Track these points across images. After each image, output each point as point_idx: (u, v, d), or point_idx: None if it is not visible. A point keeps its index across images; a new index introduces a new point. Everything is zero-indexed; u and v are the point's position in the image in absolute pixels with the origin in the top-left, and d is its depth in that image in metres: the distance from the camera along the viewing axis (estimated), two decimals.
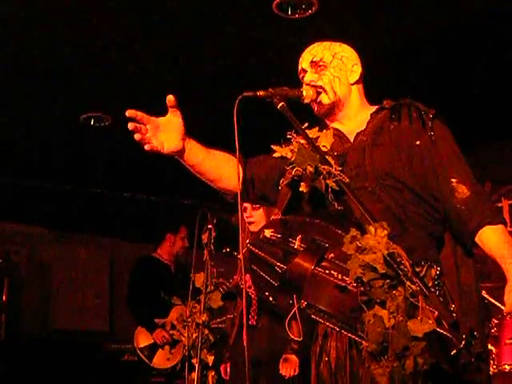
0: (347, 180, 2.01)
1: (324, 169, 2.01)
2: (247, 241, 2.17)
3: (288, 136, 2.14)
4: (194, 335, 3.47)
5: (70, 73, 4.63)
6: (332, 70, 2.31)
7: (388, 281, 1.70)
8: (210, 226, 3.68)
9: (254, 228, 3.78)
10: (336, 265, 1.91)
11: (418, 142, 2.20)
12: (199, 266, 3.62)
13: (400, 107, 2.29)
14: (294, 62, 2.41)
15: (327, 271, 1.91)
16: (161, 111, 2.17)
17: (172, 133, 2.16)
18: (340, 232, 1.93)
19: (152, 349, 5.41)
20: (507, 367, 4.04)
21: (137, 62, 4.51)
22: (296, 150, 2.07)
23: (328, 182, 2.00)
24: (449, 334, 1.68)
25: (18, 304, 7.67)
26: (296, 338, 2.27)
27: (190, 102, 4.18)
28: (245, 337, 2.36)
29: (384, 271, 1.69)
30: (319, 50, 2.35)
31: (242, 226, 2.43)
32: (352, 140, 2.28)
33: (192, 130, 2.24)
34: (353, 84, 2.35)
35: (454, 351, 1.68)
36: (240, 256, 2.13)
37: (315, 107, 2.33)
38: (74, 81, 4.74)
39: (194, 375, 3.43)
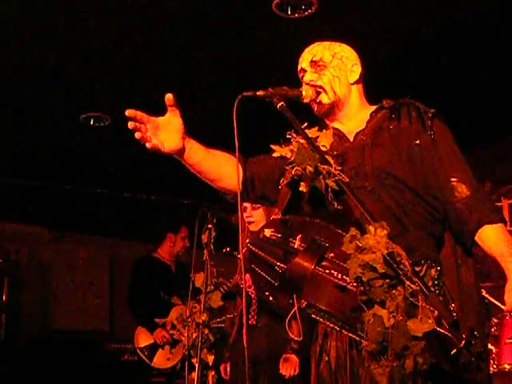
0: (347, 179, 2.02)
1: (324, 168, 2.01)
2: (247, 240, 2.17)
3: (287, 136, 2.14)
4: (194, 335, 3.48)
5: (70, 73, 4.63)
6: (332, 69, 2.31)
7: (388, 280, 1.70)
8: (209, 226, 3.68)
9: (253, 227, 3.78)
10: (336, 264, 1.91)
11: (417, 142, 2.20)
12: (199, 266, 3.62)
13: (399, 107, 2.29)
14: (293, 62, 2.41)
15: (327, 271, 1.91)
16: (161, 111, 2.17)
17: (172, 132, 2.16)
18: (340, 231, 1.93)
19: (152, 348, 5.41)
20: (507, 367, 4.04)
21: (137, 61, 4.51)
22: (295, 149, 2.07)
23: (327, 181, 2.00)
24: (449, 334, 1.69)
25: (18, 304, 7.67)
26: (296, 338, 2.27)
27: (190, 102, 4.19)
28: (244, 336, 2.36)
29: (384, 271, 1.69)
30: (319, 50, 2.35)
31: (242, 225, 2.43)
32: (352, 139, 2.28)
33: (192, 130, 2.24)
34: (352, 84, 2.35)
35: (454, 351, 1.68)
36: (240, 256, 2.13)
37: (315, 107, 2.33)
38: (74, 81, 4.74)
39: (194, 375, 3.43)
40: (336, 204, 2.07)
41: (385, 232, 1.74)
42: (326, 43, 2.37)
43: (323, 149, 2.09)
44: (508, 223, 2.24)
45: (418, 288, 1.69)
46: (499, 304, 4.18)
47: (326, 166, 2.01)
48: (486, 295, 4.19)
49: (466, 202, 2.14)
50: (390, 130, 2.24)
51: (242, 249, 2.11)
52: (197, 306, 3.53)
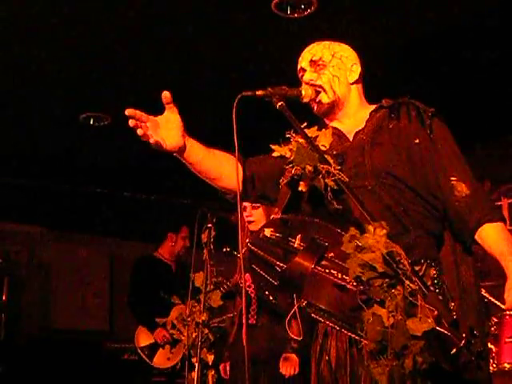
0: (346, 179, 2.01)
1: (323, 168, 2.01)
2: (247, 240, 2.17)
3: (287, 135, 2.14)
4: (194, 334, 3.48)
5: (70, 72, 4.63)
6: (331, 69, 2.31)
7: (387, 280, 1.70)
8: (209, 225, 3.68)
9: (253, 227, 3.78)
10: (336, 264, 1.91)
11: (417, 141, 2.20)
12: (199, 266, 3.62)
13: (399, 106, 2.29)
14: (293, 62, 2.41)
15: (327, 270, 1.91)
16: (160, 111, 2.18)
17: (172, 130, 2.16)
18: (340, 231, 1.93)
19: (153, 348, 5.41)
20: (507, 366, 4.04)
21: (136, 61, 4.52)
22: (295, 149, 2.07)
23: (327, 180, 2.00)
24: (448, 333, 1.69)
25: (18, 304, 7.67)
26: (296, 337, 2.28)
27: (190, 102, 4.19)
28: (244, 336, 2.36)
29: (383, 270, 1.69)
30: (319, 50, 2.35)
31: (242, 225, 2.44)
32: (351, 139, 2.28)
33: (192, 130, 2.24)
34: (352, 83, 2.35)
35: (454, 350, 1.68)
36: (240, 255, 2.13)
37: (314, 106, 2.33)
38: (74, 80, 4.74)
39: (194, 374, 3.44)
40: (335, 203, 2.07)
41: (384, 231, 1.74)
42: (326, 43, 2.37)
43: (323, 148, 2.09)
44: (508, 222, 2.25)
45: (417, 287, 1.69)
46: (499, 303, 4.18)
47: (325, 166, 2.01)
48: (486, 294, 4.19)
49: (465, 200, 2.14)
50: (390, 129, 2.24)
51: (242, 248, 2.11)
52: (196, 306, 3.53)
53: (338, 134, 2.29)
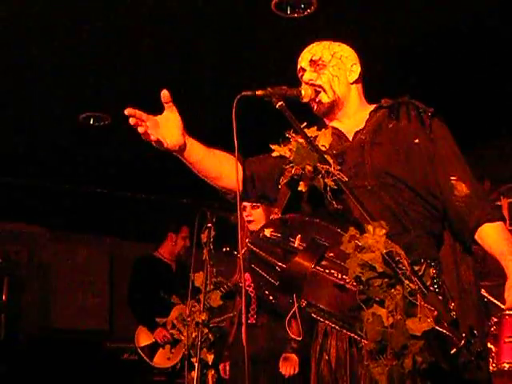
0: (346, 179, 2.01)
1: (323, 168, 2.01)
2: (247, 240, 2.17)
3: (287, 135, 2.14)
4: (194, 334, 3.48)
5: (70, 72, 4.63)
6: (331, 69, 2.32)
7: (386, 279, 1.70)
8: (209, 225, 3.68)
9: (253, 227, 3.78)
10: (336, 264, 1.91)
11: (416, 141, 2.21)
12: (199, 265, 3.62)
13: (398, 106, 2.29)
14: (293, 61, 2.41)
15: (327, 270, 1.91)
16: (161, 111, 2.18)
17: (172, 128, 2.16)
18: (339, 231, 1.93)
19: (153, 348, 5.41)
20: (506, 365, 4.03)
21: (136, 61, 4.52)
22: (294, 149, 2.07)
23: (327, 180, 2.00)
24: (448, 333, 1.69)
25: (18, 304, 7.67)
26: (296, 337, 2.28)
27: (190, 102, 4.19)
28: (244, 335, 2.36)
29: (382, 270, 1.69)
30: (318, 49, 2.35)
31: (241, 224, 2.44)
32: (351, 139, 2.28)
33: (192, 130, 2.24)
34: (352, 83, 2.35)
35: (454, 350, 1.68)
36: (239, 255, 2.13)
37: (314, 106, 2.34)
38: (74, 80, 4.74)
39: (194, 374, 3.44)
40: (335, 203, 2.08)
41: (384, 231, 1.74)
42: (326, 43, 2.38)
43: (322, 148, 2.09)
44: (507, 222, 2.25)
45: (416, 287, 1.70)
46: (498, 303, 4.18)
47: (324, 166, 2.01)
48: (486, 294, 4.19)
49: (465, 200, 2.14)
50: (389, 129, 2.24)
51: (242, 248, 2.11)
52: (196, 306, 3.53)
53: (338, 134, 2.29)
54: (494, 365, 4.09)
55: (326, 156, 2.03)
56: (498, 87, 4.80)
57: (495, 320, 4.25)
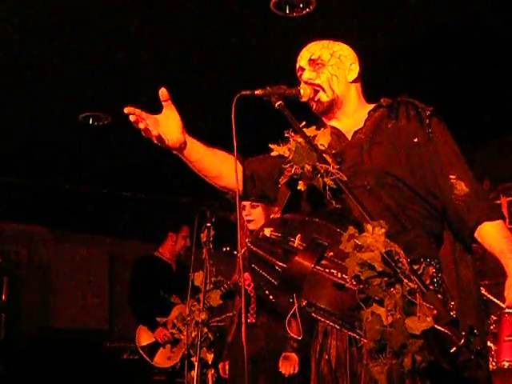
0: (345, 178, 2.01)
1: (322, 167, 2.01)
2: (247, 240, 2.17)
3: (286, 135, 2.14)
4: (194, 334, 3.48)
5: (70, 72, 4.64)
6: (330, 68, 2.32)
7: (386, 278, 1.70)
8: (208, 225, 3.68)
9: (252, 226, 3.78)
10: (335, 263, 1.91)
11: (415, 140, 2.21)
12: (199, 265, 3.62)
13: (397, 105, 2.29)
14: (292, 61, 2.41)
15: (327, 270, 1.91)
16: (160, 111, 2.19)
17: (171, 127, 2.17)
18: (339, 230, 1.93)
19: (153, 347, 5.42)
20: (506, 364, 4.05)
21: (136, 61, 4.52)
22: (294, 148, 2.08)
23: (326, 180, 2.00)
24: (448, 332, 1.69)
25: (18, 303, 7.68)
26: (296, 337, 2.28)
27: (189, 102, 4.19)
28: (244, 335, 2.36)
29: (382, 269, 1.69)
30: (317, 49, 2.35)
31: (241, 224, 2.44)
32: (350, 138, 2.28)
33: (192, 130, 2.25)
34: (351, 82, 2.35)
35: (454, 349, 1.68)
36: (239, 255, 2.13)
37: (313, 105, 2.34)
38: (74, 80, 4.74)
39: (194, 373, 3.44)
40: (334, 203, 2.08)
41: (383, 230, 1.74)
42: (325, 42, 2.38)
43: (321, 148, 2.09)
44: (507, 221, 2.25)
45: (415, 286, 1.70)
46: (498, 301, 4.19)
47: (324, 165, 2.00)
48: (485, 293, 4.20)
49: (465, 199, 2.14)
50: (388, 128, 2.24)
51: (242, 248, 2.12)
52: (196, 305, 3.53)
53: (337, 134, 2.29)
54: (493, 363, 4.10)
55: (325, 155, 2.03)
56: (498, 87, 4.80)
57: (495, 318, 4.26)
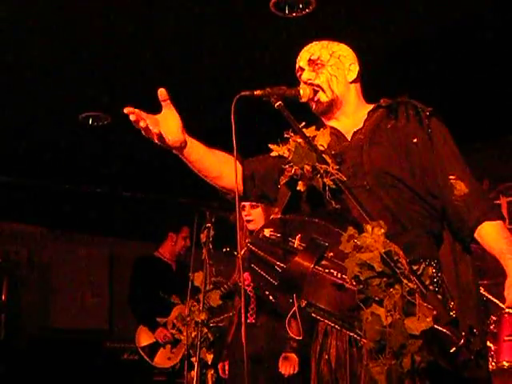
0: (344, 178, 2.02)
1: (321, 167, 2.01)
2: (247, 240, 2.17)
3: (285, 135, 2.15)
4: (194, 334, 3.48)
5: (70, 72, 4.64)
6: (329, 68, 2.32)
7: (385, 279, 1.70)
8: (208, 225, 3.68)
9: (252, 226, 3.78)
10: (335, 263, 1.91)
11: (415, 140, 2.21)
12: (199, 265, 3.62)
13: (397, 105, 2.29)
14: (291, 61, 2.41)
15: (327, 270, 1.92)
16: (160, 111, 2.19)
17: (171, 126, 2.17)
18: (339, 231, 1.93)
19: (153, 348, 5.42)
20: (506, 364, 4.04)
21: (136, 61, 4.52)
22: (293, 148, 2.08)
23: (325, 180, 2.00)
24: (448, 332, 1.69)
25: (18, 303, 7.67)
26: (296, 337, 2.28)
27: (190, 102, 4.20)
28: (243, 335, 2.36)
29: (381, 269, 1.70)
30: (317, 49, 2.35)
31: (240, 224, 2.45)
32: (349, 138, 2.29)
33: (192, 130, 2.25)
34: (350, 83, 2.35)
35: (454, 349, 1.69)
36: (238, 255, 2.14)
37: (313, 105, 2.34)
38: (74, 80, 4.74)
39: (194, 374, 3.44)
40: (334, 203, 2.08)
41: (382, 231, 1.74)
42: (324, 42, 2.38)
43: (321, 148, 2.09)
44: (507, 221, 2.26)
45: (415, 286, 1.70)
46: (498, 302, 4.19)
47: (323, 165, 2.01)
48: (485, 293, 4.20)
49: (464, 199, 2.15)
50: (388, 128, 2.24)
51: (241, 248, 2.12)
52: (196, 305, 3.53)
53: (336, 134, 2.29)
54: (493, 363, 4.10)
55: (324, 156, 2.03)
56: (498, 87, 4.80)
57: (494, 319, 4.26)
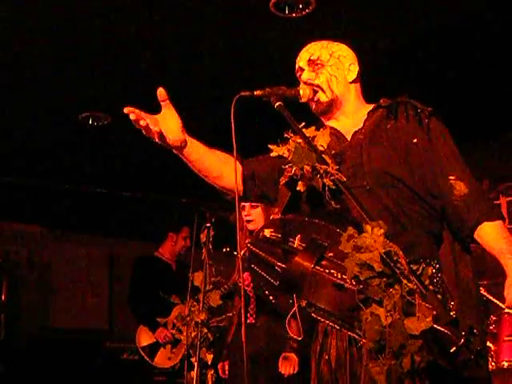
0: (344, 179, 2.02)
1: (321, 168, 2.01)
2: (247, 241, 2.17)
3: (285, 135, 2.15)
4: (193, 334, 3.48)
5: (70, 72, 4.64)
6: (329, 68, 2.32)
7: (385, 279, 1.70)
8: (208, 225, 3.68)
9: (252, 226, 3.78)
10: (335, 263, 1.91)
11: (414, 140, 2.21)
12: (199, 265, 3.62)
13: (397, 105, 2.30)
14: (291, 61, 2.41)
15: (327, 270, 1.92)
16: (160, 111, 2.19)
17: (171, 126, 2.17)
18: (338, 231, 1.93)
19: (154, 348, 5.41)
20: (506, 364, 4.05)
21: (136, 61, 4.52)
22: (293, 149, 2.08)
23: (325, 180, 2.00)
24: (448, 332, 1.69)
25: (18, 303, 7.68)
26: (296, 337, 2.28)
27: (190, 102, 4.20)
28: (243, 335, 2.37)
29: (381, 269, 1.70)
30: (317, 49, 2.35)
31: (240, 224, 2.45)
32: (349, 139, 2.29)
33: (192, 130, 2.25)
34: (350, 83, 2.35)
35: (454, 349, 1.69)
36: (238, 255, 2.14)
37: (313, 105, 2.34)
38: (74, 80, 4.74)
39: (194, 374, 3.44)
40: (334, 203, 2.08)
41: (382, 231, 1.74)
42: (324, 42, 2.38)
43: (320, 148, 2.09)
44: (506, 221, 2.26)
45: (415, 286, 1.70)
46: (497, 302, 4.19)
47: (323, 166, 2.01)
48: (485, 293, 4.20)
49: (464, 199, 2.15)
50: (388, 128, 2.25)
51: (241, 248, 2.12)
52: (196, 305, 3.53)
53: (336, 134, 2.29)
54: (493, 363, 4.10)
55: (324, 156, 2.03)
56: (498, 87, 4.80)
57: (494, 319, 4.26)
